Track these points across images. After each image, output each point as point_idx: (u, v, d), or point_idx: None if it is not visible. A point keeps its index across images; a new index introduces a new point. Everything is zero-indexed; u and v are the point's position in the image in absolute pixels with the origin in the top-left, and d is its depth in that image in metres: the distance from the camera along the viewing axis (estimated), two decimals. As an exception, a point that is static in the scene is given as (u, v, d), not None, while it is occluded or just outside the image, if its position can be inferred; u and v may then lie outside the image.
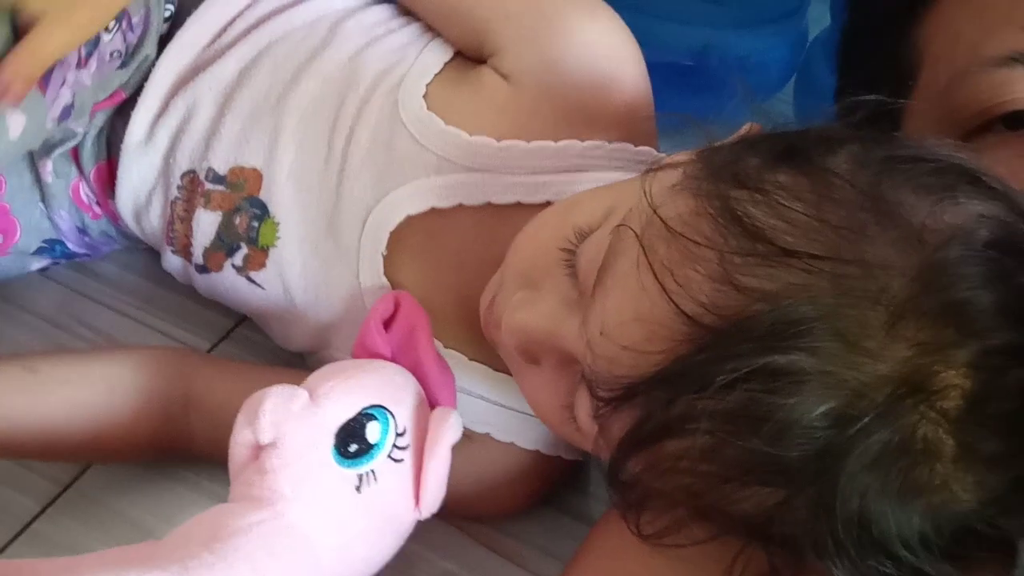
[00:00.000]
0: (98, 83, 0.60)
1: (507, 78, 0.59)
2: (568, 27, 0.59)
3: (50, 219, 0.66)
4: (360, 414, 0.51)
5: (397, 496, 0.51)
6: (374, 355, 0.54)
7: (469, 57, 0.62)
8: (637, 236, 0.44)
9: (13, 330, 0.70)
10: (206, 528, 0.48)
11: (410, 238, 0.59)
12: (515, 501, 0.60)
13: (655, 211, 0.44)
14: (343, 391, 0.51)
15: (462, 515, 0.58)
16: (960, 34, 0.54)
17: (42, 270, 0.71)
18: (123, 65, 0.62)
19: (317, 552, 0.48)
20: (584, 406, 0.47)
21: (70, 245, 0.68)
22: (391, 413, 0.51)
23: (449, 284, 0.59)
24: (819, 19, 0.95)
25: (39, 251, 0.68)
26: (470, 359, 0.59)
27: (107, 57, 0.60)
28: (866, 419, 0.38)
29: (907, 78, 0.57)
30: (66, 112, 0.58)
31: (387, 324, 0.54)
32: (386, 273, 0.60)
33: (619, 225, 0.45)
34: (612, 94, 0.59)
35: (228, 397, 0.57)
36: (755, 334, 0.39)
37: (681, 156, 0.51)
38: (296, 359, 0.68)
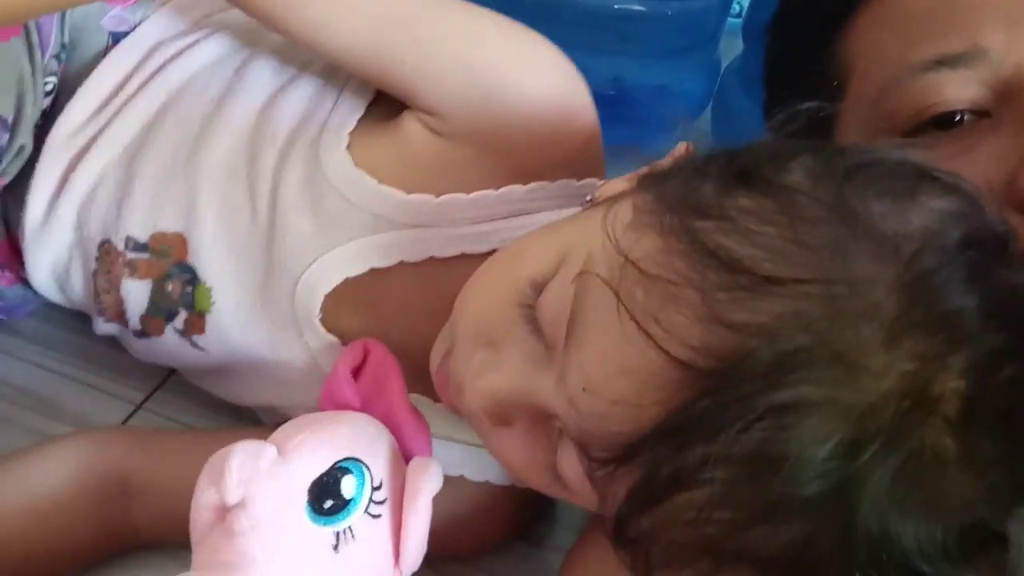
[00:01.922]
0: None
1: (441, 136, 0.56)
2: (510, 94, 0.55)
3: None
4: (333, 468, 0.47)
5: (376, 554, 0.48)
6: (342, 406, 0.51)
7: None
8: (608, 284, 0.41)
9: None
10: (172, 600, 0.44)
11: (350, 295, 0.57)
12: (491, 536, 0.58)
13: (626, 256, 0.41)
14: (314, 444, 0.48)
15: (435, 554, 0.55)
16: (884, 47, 0.55)
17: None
18: None
19: (294, 620, 0.45)
20: (571, 464, 0.44)
21: None
22: (366, 466, 0.48)
23: (396, 335, 0.56)
24: (729, 50, 0.99)
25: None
26: (434, 401, 0.56)
27: None
28: (878, 442, 0.37)
29: (835, 94, 0.58)
30: None
31: (355, 373, 0.51)
32: (329, 330, 0.57)
33: (582, 273, 0.43)
34: (562, 142, 0.57)
35: (170, 482, 0.55)
36: (757, 371, 0.37)
37: (618, 185, 0.50)
38: (239, 409, 0.65)
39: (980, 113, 0.51)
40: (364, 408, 0.51)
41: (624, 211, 0.45)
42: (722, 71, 1.01)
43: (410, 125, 0.57)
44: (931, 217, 0.41)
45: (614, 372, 0.41)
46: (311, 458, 0.47)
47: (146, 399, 0.68)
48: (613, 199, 0.47)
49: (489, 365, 0.47)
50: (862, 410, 0.37)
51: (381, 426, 0.51)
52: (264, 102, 0.60)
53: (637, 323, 0.40)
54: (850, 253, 0.39)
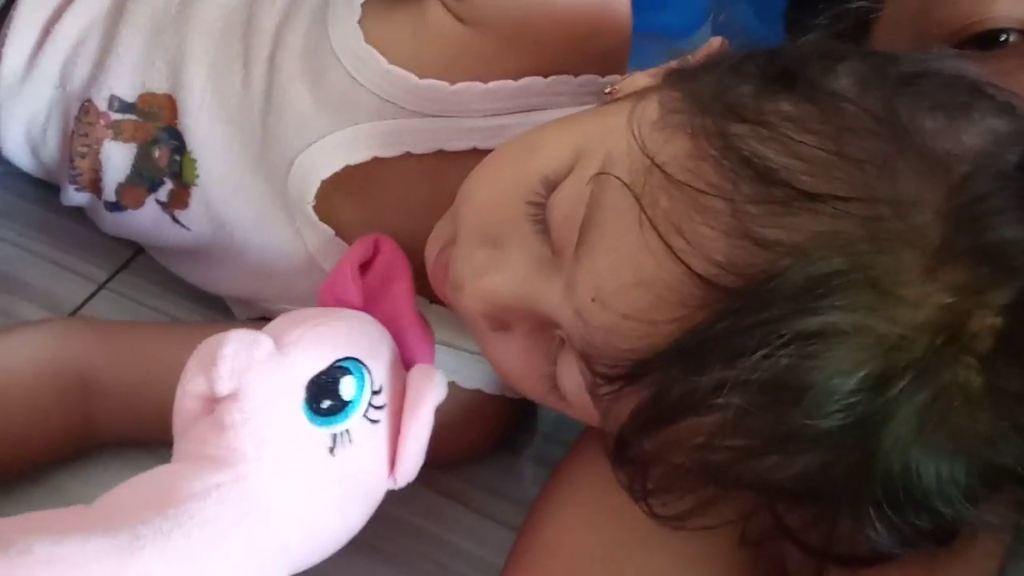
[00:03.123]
0: None
1: (465, 23, 0.52)
2: None
3: None
4: (333, 367, 0.44)
5: (372, 462, 0.45)
6: (344, 303, 0.48)
7: None
8: (630, 188, 0.38)
9: None
10: (154, 492, 0.41)
11: (348, 184, 0.53)
12: (477, 444, 0.56)
13: (652, 159, 0.38)
14: (313, 340, 0.45)
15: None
16: None
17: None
18: None
19: (283, 523, 0.42)
20: (571, 376, 0.42)
21: None
22: (367, 367, 0.45)
23: (395, 230, 0.52)
24: None
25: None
26: (430, 302, 0.53)
27: None
28: (907, 379, 0.35)
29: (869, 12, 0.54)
30: None
31: (362, 269, 0.48)
32: (321, 218, 0.54)
33: (599, 174, 0.40)
34: (595, 38, 0.52)
35: (137, 382, 0.52)
36: (786, 294, 0.35)
37: (641, 79, 0.46)
38: (210, 298, 0.61)
39: None
40: (366, 308, 0.48)
41: (651, 109, 0.41)
42: None
43: (433, 7, 0.52)
44: (986, 138, 0.37)
45: (628, 284, 0.38)
46: (310, 354, 0.44)
47: (109, 279, 0.63)
48: (636, 95, 0.44)
49: (492, 265, 0.43)
50: (893, 342, 0.35)
51: (383, 329, 0.48)
52: None
53: (658, 232, 0.37)
54: (897, 170, 0.36)
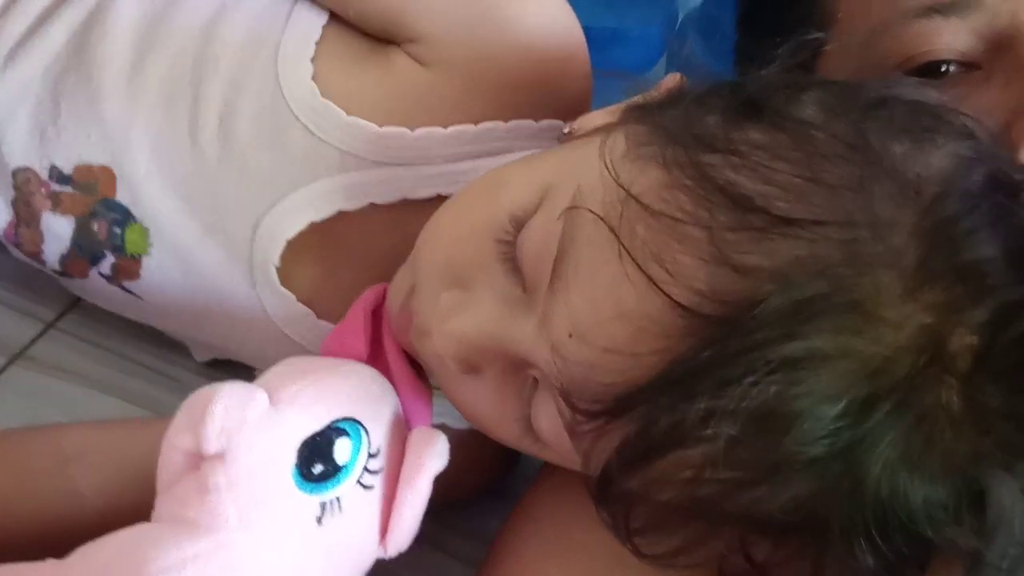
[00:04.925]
0: None
1: (428, 67, 0.51)
2: (507, 17, 0.51)
3: None
4: (329, 428, 0.41)
5: (363, 531, 0.42)
6: (349, 355, 0.45)
7: (368, 33, 0.53)
8: (605, 221, 0.37)
9: None
10: (128, 558, 0.38)
11: (311, 243, 0.51)
12: (475, 483, 0.54)
13: (627, 190, 0.37)
14: (311, 398, 0.42)
15: None
16: None
17: None
18: None
19: (264, 597, 0.40)
20: (548, 416, 0.40)
21: None
22: (365, 429, 0.42)
23: (353, 285, 0.50)
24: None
25: None
26: None
27: None
28: (892, 401, 0.35)
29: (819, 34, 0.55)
30: None
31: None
32: (283, 282, 0.52)
33: (572, 208, 0.39)
34: (554, 80, 0.52)
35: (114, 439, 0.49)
36: (770, 320, 0.34)
37: (598, 118, 0.46)
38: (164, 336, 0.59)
39: (969, 65, 0.49)
40: (370, 360, 0.45)
41: (619, 142, 0.40)
42: (680, 21, 0.96)
43: (392, 56, 0.52)
44: (952, 160, 0.38)
45: (608, 317, 0.37)
46: (305, 413, 0.41)
47: (58, 318, 0.60)
48: (597, 131, 0.43)
49: (459, 306, 0.42)
50: (877, 365, 0.34)
51: (387, 384, 0.45)
52: (204, 23, 0.53)
53: (637, 264, 0.36)
54: (872, 193, 0.36)
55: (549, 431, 0.41)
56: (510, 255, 0.41)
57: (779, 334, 0.34)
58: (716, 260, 0.35)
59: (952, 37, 0.49)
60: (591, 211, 0.38)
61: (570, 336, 0.38)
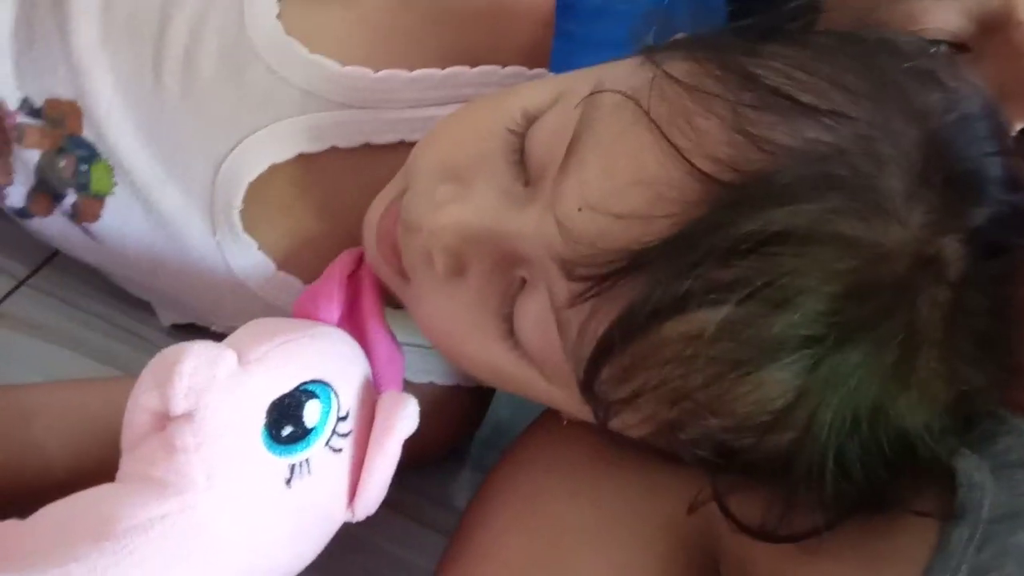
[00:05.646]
0: None
1: None
2: None
3: None
4: (298, 390, 0.41)
5: (331, 494, 0.42)
6: (318, 317, 0.44)
7: None
8: (629, 96, 0.38)
9: None
10: (92, 518, 0.37)
11: (273, 187, 0.50)
12: (439, 443, 0.53)
13: (658, 65, 0.38)
14: (280, 359, 0.41)
15: None
16: None
17: None
18: None
19: (229, 559, 0.39)
20: (535, 314, 0.40)
21: None
22: (334, 391, 0.42)
23: (323, 235, 0.50)
24: None
25: None
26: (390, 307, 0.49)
27: None
28: (889, 294, 0.36)
29: (810, 13, 0.54)
30: None
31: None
32: (246, 228, 0.51)
33: (593, 93, 0.39)
34: (514, 21, 0.52)
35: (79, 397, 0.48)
36: (785, 191, 0.35)
37: (619, 68, 0.44)
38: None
39: (958, 46, 0.49)
40: (340, 323, 0.44)
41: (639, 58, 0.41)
42: None
43: None
44: (950, 94, 0.39)
45: (625, 183, 0.37)
46: (275, 374, 0.41)
47: (31, 274, 0.59)
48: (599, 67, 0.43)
49: (456, 197, 0.42)
50: (882, 254, 0.36)
51: (358, 348, 0.44)
52: None
53: (660, 130, 0.37)
54: (886, 105, 0.38)
55: (532, 329, 0.40)
56: (517, 147, 0.41)
57: (792, 203, 0.35)
58: (739, 132, 0.36)
59: (943, 17, 0.49)
60: (616, 91, 0.38)
61: (580, 210, 0.38)
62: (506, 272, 0.41)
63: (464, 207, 0.41)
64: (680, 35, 0.44)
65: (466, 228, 0.41)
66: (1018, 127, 0.47)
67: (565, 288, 0.38)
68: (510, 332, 0.41)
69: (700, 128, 0.36)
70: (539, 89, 0.43)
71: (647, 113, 0.37)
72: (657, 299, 0.35)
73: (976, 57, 0.49)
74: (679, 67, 0.39)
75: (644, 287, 0.36)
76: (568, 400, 0.41)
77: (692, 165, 0.36)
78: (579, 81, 0.41)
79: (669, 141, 0.36)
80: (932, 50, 0.44)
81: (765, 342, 0.35)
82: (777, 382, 0.36)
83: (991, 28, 0.49)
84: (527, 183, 0.40)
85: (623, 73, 0.40)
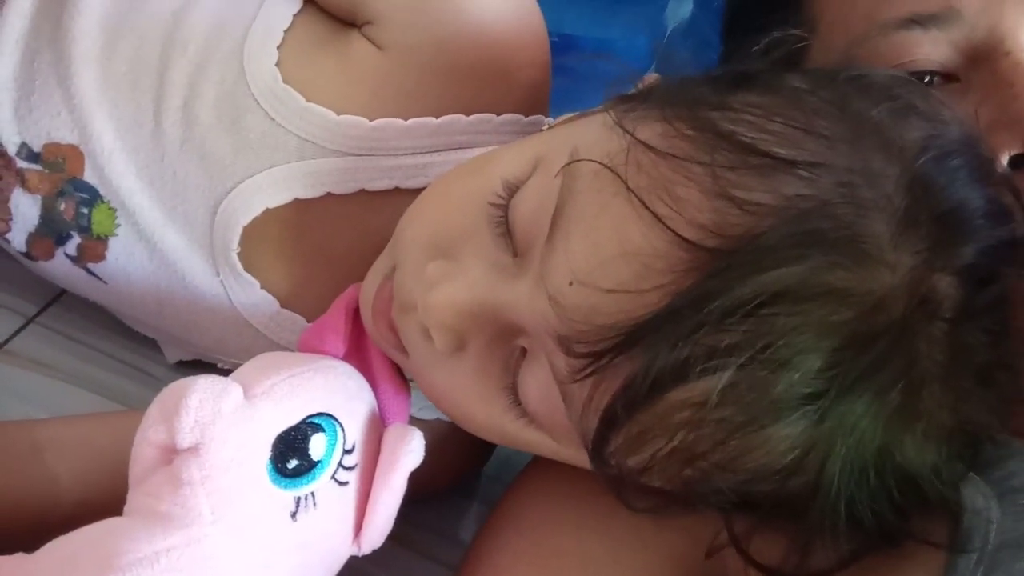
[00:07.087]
0: None
1: (384, 51, 0.51)
2: (462, 3, 0.50)
3: None
4: (304, 423, 0.41)
5: (336, 527, 0.42)
6: (324, 351, 0.44)
7: (332, 15, 0.53)
8: (608, 167, 0.38)
9: None
10: (98, 551, 0.37)
11: (269, 230, 0.51)
12: (442, 478, 0.53)
13: (631, 134, 0.38)
14: (286, 392, 0.42)
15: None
16: (855, 1, 0.54)
17: None
18: None
19: (235, 592, 0.39)
20: (537, 384, 0.40)
21: None
22: (340, 424, 0.42)
23: (320, 280, 0.51)
24: (677, 14, 0.94)
25: None
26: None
27: None
28: (887, 340, 0.35)
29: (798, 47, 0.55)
30: None
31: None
32: (247, 269, 0.51)
33: (572, 162, 0.39)
34: (511, 73, 0.52)
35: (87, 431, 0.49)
36: (772, 251, 0.35)
37: (591, 130, 0.45)
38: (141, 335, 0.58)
39: (947, 76, 0.50)
40: (346, 357, 0.45)
41: (610, 114, 0.41)
42: (668, 33, 0.96)
43: (352, 41, 0.52)
44: (928, 123, 0.40)
45: (611, 256, 0.37)
46: (281, 408, 0.41)
47: (39, 312, 0.60)
48: (579, 116, 0.44)
49: (447, 275, 0.41)
50: (875, 302, 0.35)
51: (363, 381, 0.45)
52: (175, 8, 0.53)
53: (642, 201, 0.37)
54: (864, 146, 0.38)
55: (537, 399, 0.40)
56: (501, 219, 0.41)
57: (781, 264, 0.35)
58: (720, 196, 0.36)
59: (931, 49, 0.50)
60: (594, 160, 0.38)
61: (570, 284, 0.38)
62: (506, 342, 0.41)
63: (456, 284, 0.41)
64: (650, 79, 0.45)
65: (461, 304, 0.41)
66: (1006, 157, 0.47)
67: (564, 363, 0.38)
68: (516, 402, 0.41)
69: (680, 196, 0.36)
70: (517, 155, 0.43)
71: (626, 184, 0.37)
72: (657, 371, 0.35)
73: (964, 88, 0.50)
74: (651, 130, 0.39)
75: (642, 359, 0.36)
76: (582, 460, 0.40)
77: (676, 234, 0.36)
78: (555, 144, 0.41)
79: (651, 212, 0.36)
80: (916, 81, 0.44)
81: (769, 403, 0.35)
82: (784, 438, 0.36)
83: (978, 59, 0.49)
84: (516, 254, 0.41)
85: (596, 136, 0.40)
